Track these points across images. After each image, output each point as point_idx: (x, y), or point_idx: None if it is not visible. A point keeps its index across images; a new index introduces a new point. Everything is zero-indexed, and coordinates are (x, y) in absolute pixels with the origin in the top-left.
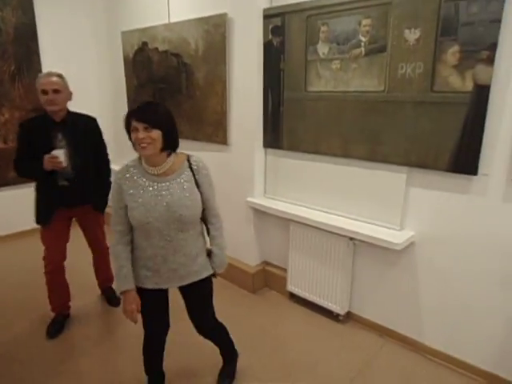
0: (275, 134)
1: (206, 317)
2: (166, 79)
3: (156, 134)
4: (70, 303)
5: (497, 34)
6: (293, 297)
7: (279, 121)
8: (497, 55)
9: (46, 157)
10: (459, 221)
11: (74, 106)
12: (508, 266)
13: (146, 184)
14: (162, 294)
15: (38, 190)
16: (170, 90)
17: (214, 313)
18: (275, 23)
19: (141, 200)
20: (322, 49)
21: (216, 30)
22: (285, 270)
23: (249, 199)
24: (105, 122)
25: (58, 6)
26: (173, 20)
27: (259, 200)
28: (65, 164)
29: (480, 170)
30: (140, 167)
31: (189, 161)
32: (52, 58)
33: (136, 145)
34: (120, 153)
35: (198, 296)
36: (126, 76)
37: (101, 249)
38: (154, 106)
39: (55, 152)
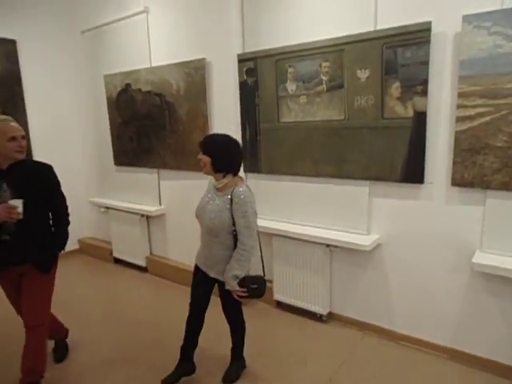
0: (254, 160)
1: (226, 307)
2: (150, 116)
3: (206, 158)
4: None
5: (427, 72)
6: (279, 305)
7: (257, 148)
8: (429, 88)
9: (2, 206)
10: (414, 222)
11: (58, 145)
12: (457, 256)
13: (210, 191)
14: (205, 276)
15: None
16: (154, 126)
17: (236, 308)
18: (249, 66)
19: (202, 198)
20: (291, 86)
21: (196, 72)
22: (270, 282)
23: None
24: (88, 158)
25: (42, 54)
26: (154, 64)
27: None
28: (21, 216)
29: (426, 179)
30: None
31: (234, 189)
32: (36, 101)
33: None
34: (104, 186)
35: (222, 291)
36: (110, 114)
37: (32, 325)
38: (209, 138)
39: (13, 202)
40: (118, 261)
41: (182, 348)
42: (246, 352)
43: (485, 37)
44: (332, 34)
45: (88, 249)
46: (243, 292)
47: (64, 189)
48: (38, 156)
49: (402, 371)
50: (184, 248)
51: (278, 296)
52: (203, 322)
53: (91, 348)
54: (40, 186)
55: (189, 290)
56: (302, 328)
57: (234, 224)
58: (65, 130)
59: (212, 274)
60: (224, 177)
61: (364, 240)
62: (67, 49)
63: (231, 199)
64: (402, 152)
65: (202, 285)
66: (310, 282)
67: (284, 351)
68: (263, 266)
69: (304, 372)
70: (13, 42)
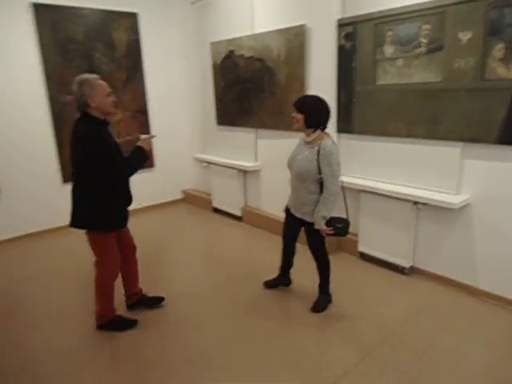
0: (347, 121)
1: (311, 245)
2: (251, 80)
3: (299, 116)
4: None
5: None
6: (363, 256)
7: (351, 110)
8: None
9: (144, 137)
10: (508, 185)
11: (168, 107)
12: None
13: (301, 145)
14: (293, 216)
15: (109, 192)
16: (254, 89)
17: (320, 246)
18: (347, 30)
19: (293, 151)
20: (388, 49)
21: (296, 38)
22: (354, 235)
23: None
24: (193, 118)
25: (157, 25)
26: (256, 31)
27: None
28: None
29: None
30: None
31: (320, 142)
32: (152, 68)
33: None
34: (206, 144)
35: (307, 231)
36: (214, 79)
37: (135, 246)
38: (303, 98)
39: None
40: (216, 210)
41: (281, 267)
42: (333, 292)
43: None
44: None
45: (190, 198)
46: (330, 230)
47: (171, 145)
48: (152, 115)
49: (479, 323)
50: (276, 201)
51: (362, 248)
52: (295, 249)
53: (193, 279)
54: None
55: (278, 238)
56: (385, 278)
57: (319, 172)
58: (174, 94)
59: (298, 215)
60: (313, 132)
61: (452, 199)
62: (178, 20)
63: (318, 151)
64: (501, 114)
65: (291, 222)
66: (394, 237)
67: (367, 294)
68: (347, 211)
69: (385, 312)
70: (134, 16)
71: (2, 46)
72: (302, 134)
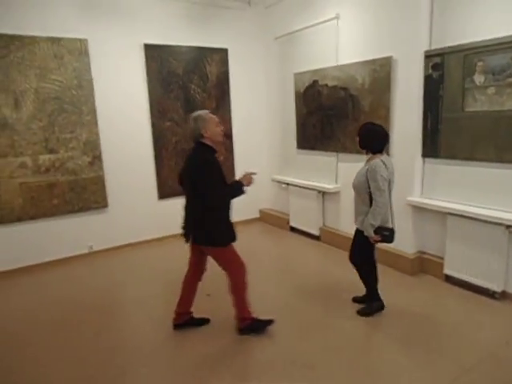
0: (433, 146)
1: (353, 252)
2: (334, 107)
3: (357, 138)
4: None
5: None
6: (448, 279)
7: (437, 136)
8: None
9: (251, 176)
10: None
11: (250, 132)
12: None
13: (363, 163)
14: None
15: (223, 211)
16: (337, 116)
17: (360, 254)
18: (435, 61)
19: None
20: (479, 78)
21: (381, 68)
22: (440, 258)
23: (409, 198)
24: (273, 142)
25: (244, 58)
26: (341, 63)
27: (418, 198)
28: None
29: None
30: None
31: (371, 162)
32: (237, 97)
33: None
34: (285, 166)
35: (356, 237)
36: (296, 106)
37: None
38: (362, 125)
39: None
40: (293, 229)
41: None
42: (414, 313)
43: None
44: None
45: (267, 217)
46: (378, 237)
47: (251, 167)
48: (235, 139)
49: None
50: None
51: (448, 270)
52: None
53: (270, 290)
54: None
55: None
56: (473, 301)
57: (369, 186)
58: (256, 119)
59: (356, 224)
60: (367, 153)
61: None
62: (262, 53)
63: (367, 169)
64: None
65: (355, 234)
66: (484, 260)
67: (453, 320)
68: (393, 221)
69: (470, 341)
70: (225, 51)
71: (122, 78)
72: None
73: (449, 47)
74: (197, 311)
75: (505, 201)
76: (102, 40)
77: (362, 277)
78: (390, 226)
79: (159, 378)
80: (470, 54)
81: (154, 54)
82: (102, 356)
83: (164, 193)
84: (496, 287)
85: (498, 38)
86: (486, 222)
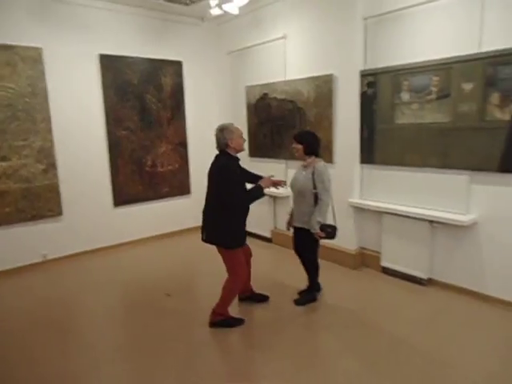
0: (369, 154)
1: (305, 249)
2: (283, 118)
3: (299, 146)
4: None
5: None
6: (385, 270)
7: (373, 144)
8: None
9: (270, 179)
10: (510, 205)
11: (204, 141)
12: None
13: (299, 169)
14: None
15: (238, 216)
16: (286, 126)
17: (308, 250)
18: (369, 80)
19: (294, 174)
20: (405, 96)
21: (325, 84)
22: (377, 252)
23: (350, 200)
24: None
25: (197, 70)
26: (288, 78)
27: (358, 200)
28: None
29: None
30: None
31: (314, 165)
32: (192, 108)
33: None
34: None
35: (301, 236)
36: (248, 117)
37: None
38: (302, 133)
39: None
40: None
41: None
42: (358, 300)
43: None
44: (441, 55)
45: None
46: (322, 234)
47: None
48: (190, 148)
49: (490, 325)
50: None
51: (384, 263)
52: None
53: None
54: None
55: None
56: (405, 288)
57: (314, 188)
58: (210, 129)
59: (299, 224)
60: (309, 158)
61: (462, 218)
62: (215, 66)
63: (313, 172)
64: (500, 147)
65: (296, 234)
66: (413, 252)
67: (389, 303)
68: (334, 219)
69: (402, 320)
70: (179, 63)
71: (77, 87)
72: (300, 163)
73: (381, 68)
74: (158, 311)
75: (428, 200)
76: (57, 49)
77: (308, 271)
78: (332, 223)
79: None
80: (397, 75)
81: (110, 65)
82: (45, 370)
83: (119, 200)
84: (423, 275)
85: (419, 62)
86: (413, 218)
